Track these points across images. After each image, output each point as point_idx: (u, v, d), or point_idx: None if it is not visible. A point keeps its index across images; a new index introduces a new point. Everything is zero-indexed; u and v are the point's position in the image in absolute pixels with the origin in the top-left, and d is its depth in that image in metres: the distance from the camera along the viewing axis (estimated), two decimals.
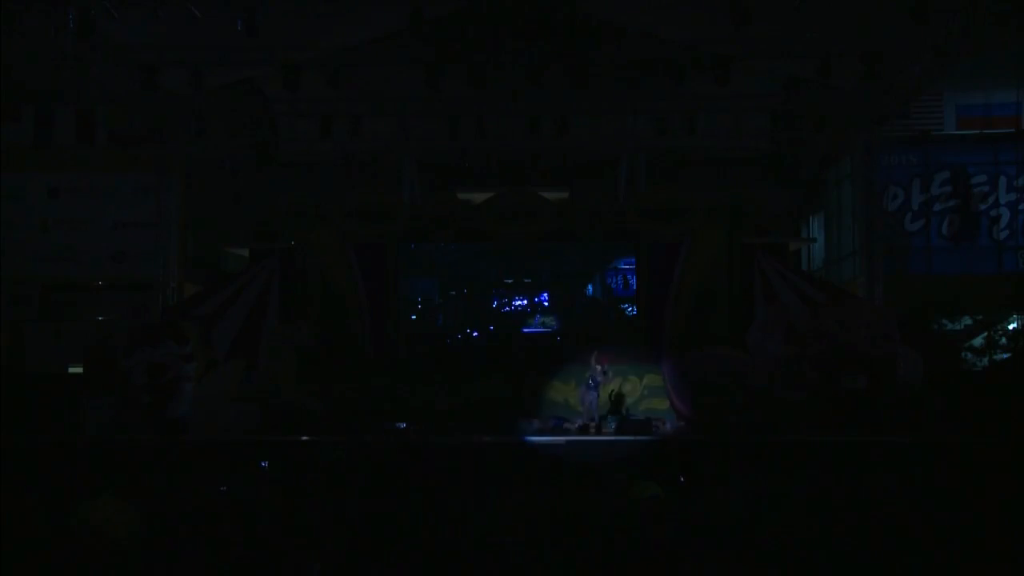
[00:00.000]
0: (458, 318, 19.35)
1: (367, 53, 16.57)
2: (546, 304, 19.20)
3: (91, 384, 16.63)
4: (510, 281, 19.36)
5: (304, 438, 15.28)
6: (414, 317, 19.26)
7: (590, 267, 19.47)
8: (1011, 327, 19.68)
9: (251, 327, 18.04)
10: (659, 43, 16.43)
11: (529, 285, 19.29)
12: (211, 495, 9.15)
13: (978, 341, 19.70)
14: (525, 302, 19.21)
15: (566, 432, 16.61)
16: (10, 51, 15.48)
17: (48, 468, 11.69)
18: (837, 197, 21.17)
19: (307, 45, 16.09)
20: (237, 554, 6.51)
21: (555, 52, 16.22)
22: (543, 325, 19.10)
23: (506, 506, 8.06)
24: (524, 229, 18.55)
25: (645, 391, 17.91)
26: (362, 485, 9.83)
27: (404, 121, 18.71)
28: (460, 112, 17.60)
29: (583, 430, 16.65)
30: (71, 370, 17.88)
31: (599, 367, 16.80)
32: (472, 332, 19.24)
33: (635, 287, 19.05)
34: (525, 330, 19.02)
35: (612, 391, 17.12)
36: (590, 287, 19.60)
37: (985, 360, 19.24)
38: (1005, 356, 19.07)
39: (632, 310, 19.09)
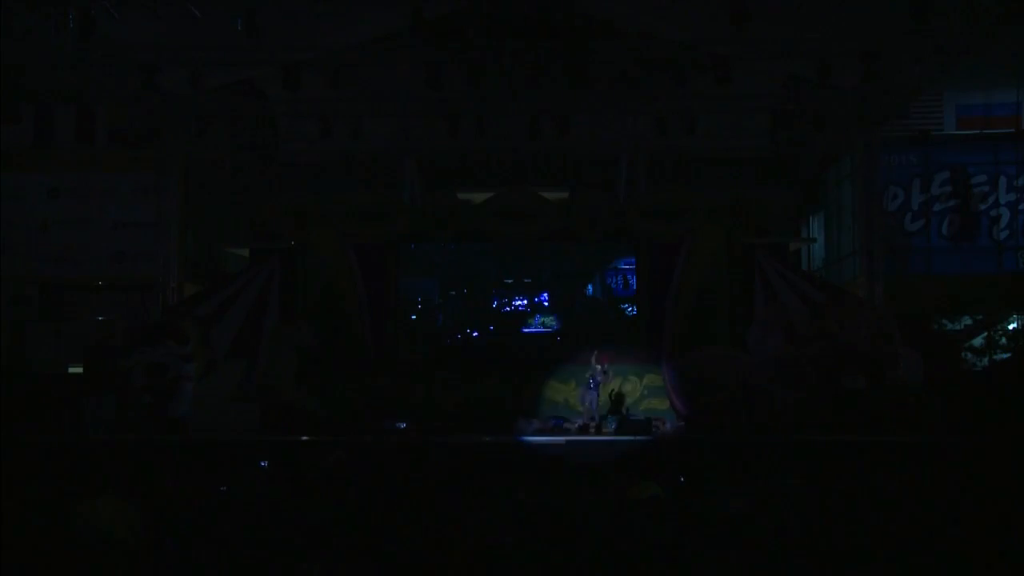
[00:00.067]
0: (458, 318, 19.34)
1: (367, 53, 16.58)
2: (546, 304, 19.19)
3: (91, 384, 16.63)
4: (510, 281, 19.34)
5: (304, 438, 15.29)
6: (414, 317, 19.25)
7: (590, 267, 19.46)
8: (1011, 327, 19.68)
9: (251, 327, 18.04)
10: (659, 43, 16.43)
11: (529, 285, 19.27)
12: (211, 495, 9.15)
13: (978, 341, 19.70)
14: (525, 302, 19.20)
15: (566, 432, 16.62)
16: (10, 51, 15.47)
17: (48, 468, 11.69)
18: (837, 197, 21.18)
19: (307, 45, 16.10)
20: (237, 554, 6.51)
21: (555, 52, 16.21)
22: (543, 325, 19.10)
23: (506, 506, 8.05)
24: (524, 229, 18.54)
25: (645, 391, 17.92)
26: (362, 485, 9.82)
27: (404, 121, 18.71)
28: (460, 112, 17.59)
29: (583, 430, 16.66)
30: (71, 370, 17.88)
31: (599, 367, 16.81)
32: (472, 332, 19.24)
33: (635, 287, 19.04)
34: (524, 330, 19.02)
35: (612, 390, 17.13)
36: (590, 287, 19.59)
37: (985, 360, 19.25)
38: (1005, 356, 19.08)
39: (632, 310, 19.08)
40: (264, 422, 16.54)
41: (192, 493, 9.06)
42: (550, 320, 19.13)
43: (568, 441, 15.43)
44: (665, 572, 6.31)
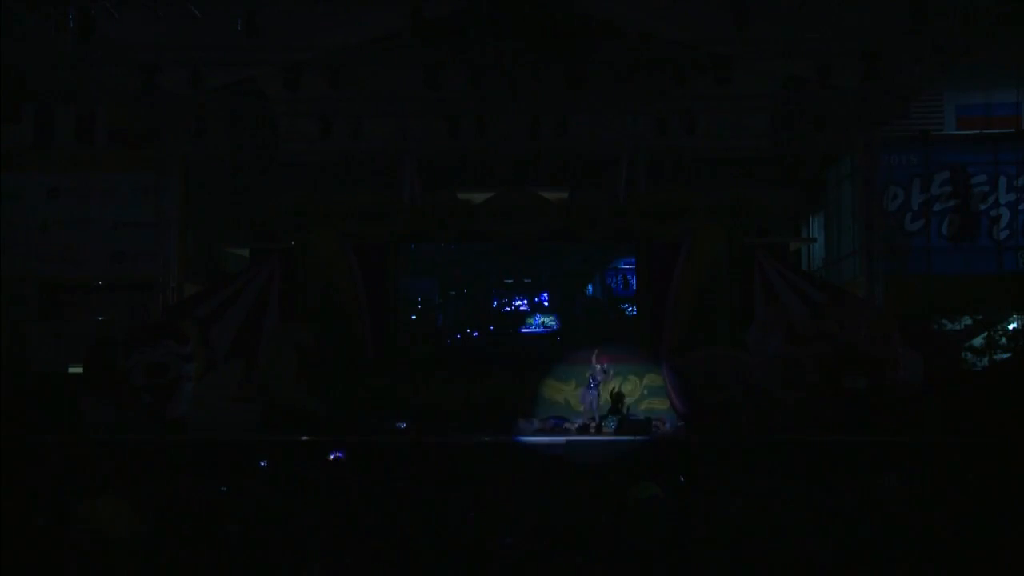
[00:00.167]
0: (458, 318, 19.34)
1: (367, 53, 16.58)
2: (546, 304, 19.19)
3: (91, 384, 16.64)
4: (510, 281, 19.33)
5: (304, 438, 15.30)
6: (414, 317, 19.24)
7: (590, 267, 19.46)
8: (1011, 327, 19.67)
9: (251, 327, 18.04)
10: (659, 43, 16.44)
11: (529, 285, 19.26)
12: (211, 495, 9.15)
13: (978, 341, 19.69)
14: (525, 302, 19.20)
15: (566, 432, 16.63)
16: (10, 51, 15.48)
17: (48, 468, 11.69)
18: (837, 197, 21.17)
19: (307, 45, 16.10)
20: (237, 554, 6.51)
21: (555, 52, 16.21)
22: (543, 325, 19.10)
23: (505, 506, 8.06)
24: (524, 229, 18.53)
25: (645, 391, 17.93)
26: (362, 485, 9.83)
27: (404, 121, 18.70)
28: (460, 112, 17.59)
29: (583, 430, 16.67)
30: (71, 370, 17.88)
31: (599, 366, 16.82)
32: (472, 332, 19.24)
33: (635, 287, 19.04)
34: (523, 330, 19.02)
35: (613, 389, 17.15)
36: (590, 287, 19.59)
37: (985, 360, 19.24)
38: (1005, 356, 19.07)
39: (632, 310, 19.08)
40: (264, 422, 16.56)
41: (192, 493, 9.07)
42: (550, 320, 19.13)
43: (568, 441, 15.44)
44: (665, 572, 6.31)
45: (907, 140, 20.15)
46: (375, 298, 18.61)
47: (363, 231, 18.76)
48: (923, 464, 12.62)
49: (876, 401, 15.82)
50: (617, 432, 16.32)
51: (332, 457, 13.26)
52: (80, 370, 17.31)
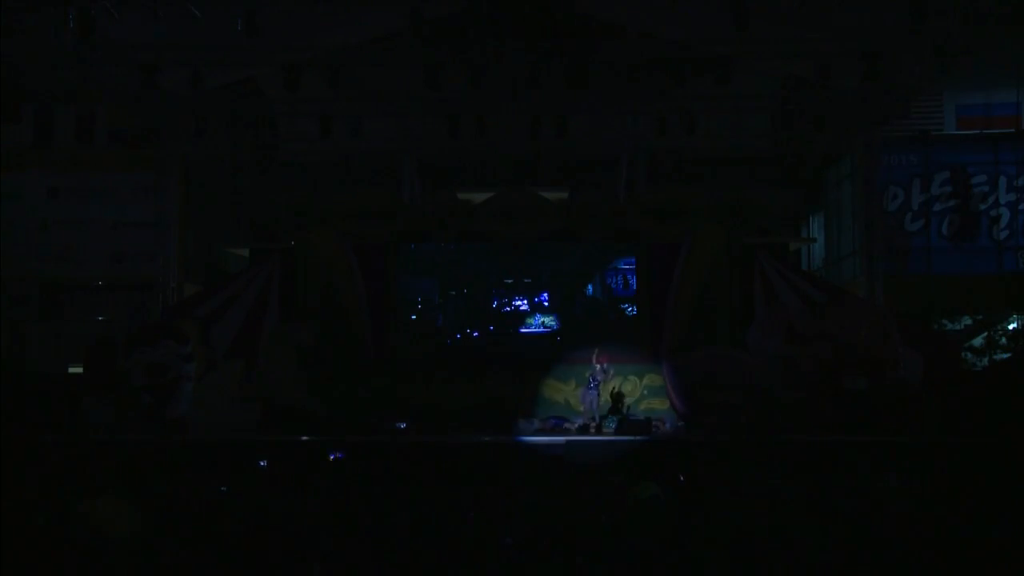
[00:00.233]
0: (458, 318, 19.34)
1: (367, 53, 16.58)
2: (546, 304, 19.19)
3: (91, 384, 16.64)
4: (510, 281, 19.33)
5: (304, 438, 15.30)
6: (414, 317, 19.24)
7: (590, 267, 19.46)
8: (1011, 327, 19.68)
9: (251, 327, 18.03)
10: (659, 43, 16.43)
11: (529, 285, 19.26)
12: (211, 495, 9.15)
13: (978, 341, 19.70)
14: (525, 302, 19.20)
15: (566, 432, 16.63)
16: (10, 51, 15.48)
17: (48, 468, 11.69)
18: (837, 197, 21.17)
19: (307, 45, 16.10)
20: (237, 554, 6.51)
21: (555, 52, 16.21)
22: (543, 325, 19.10)
23: (506, 506, 8.06)
24: (524, 229, 18.54)
25: (645, 391, 17.93)
26: (362, 485, 9.83)
27: (404, 121, 18.71)
28: (460, 112, 17.59)
29: (583, 430, 16.67)
30: (71, 370, 17.88)
31: (599, 366, 16.83)
32: (472, 332, 19.24)
33: (635, 287, 19.04)
34: (523, 330, 19.02)
35: (613, 388, 17.16)
36: (590, 287, 19.59)
37: (985, 360, 19.25)
38: (1005, 356, 19.08)
39: (632, 310, 19.08)
40: (264, 422, 16.56)
41: (192, 493, 9.07)
42: (550, 320, 19.13)
43: (568, 441, 15.43)
44: (665, 572, 6.31)
45: (907, 140, 20.16)
46: (375, 298, 18.61)
47: (363, 231, 18.76)
48: (923, 464, 12.63)
49: (876, 401, 15.83)
50: (617, 432, 16.32)
51: (332, 458, 13.26)
52: (80, 370, 17.32)
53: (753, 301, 18.17)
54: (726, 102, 17.49)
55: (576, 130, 17.78)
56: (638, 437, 15.75)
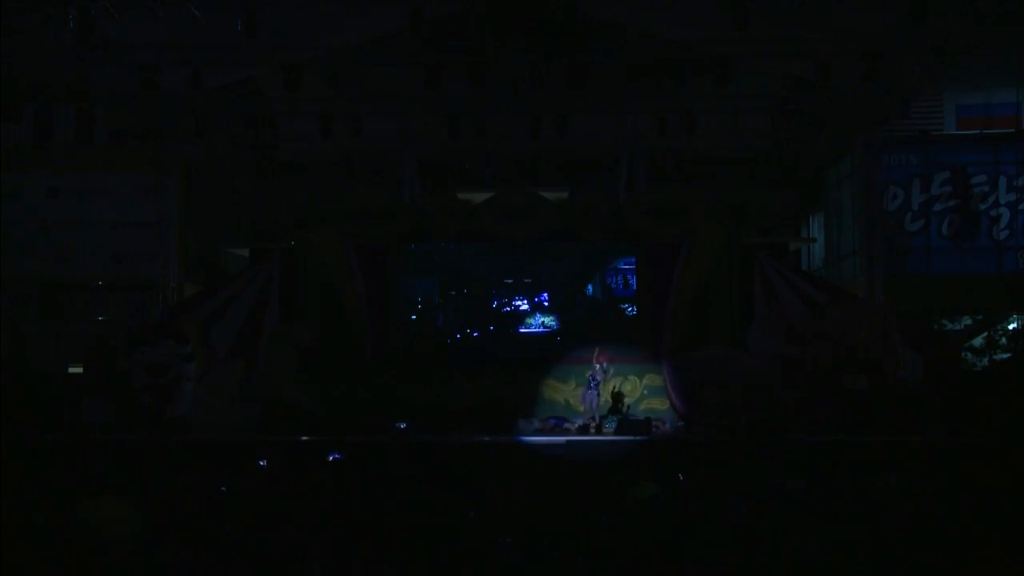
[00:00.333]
0: (458, 318, 19.34)
1: (367, 53, 16.57)
2: (546, 304, 19.19)
3: (91, 384, 16.64)
4: (510, 281, 19.33)
5: (304, 438, 15.30)
6: (414, 317, 19.25)
7: (590, 267, 19.46)
8: (1011, 327, 19.68)
9: (251, 327, 18.04)
10: (659, 43, 16.43)
11: (529, 285, 19.26)
12: (211, 495, 9.15)
13: (978, 341, 19.70)
14: (525, 302, 19.20)
15: (566, 432, 16.64)
16: (10, 51, 15.47)
17: (48, 468, 11.69)
18: (837, 197, 21.16)
19: (307, 45, 16.09)
20: (237, 554, 6.51)
21: (555, 52, 16.21)
22: (543, 325, 19.10)
23: (506, 506, 8.06)
24: (524, 229, 18.54)
25: (645, 391, 17.94)
26: (361, 485, 9.83)
27: (404, 121, 18.70)
28: (460, 112, 17.59)
29: (583, 430, 16.68)
30: (71, 370, 17.88)
31: (598, 366, 16.83)
32: (472, 332, 19.24)
33: (635, 287, 19.05)
34: (523, 330, 19.01)
35: (614, 388, 17.16)
36: (590, 287, 19.59)
37: (985, 360, 19.25)
38: (1005, 356, 19.08)
39: (632, 310, 19.08)
40: (264, 422, 16.56)
41: (192, 493, 9.07)
42: (550, 320, 19.13)
43: (568, 441, 15.44)
44: (665, 572, 6.31)
45: (907, 140, 20.13)
46: (375, 298, 18.61)
47: (363, 231, 18.76)
48: (923, 464, 12.64)
49: (876, 401, 15.83)
50: (617, 432, 16.33)
51: (331, 458, 13.26)
52: (80, 370, 17.32)
53: (753, 301, 18.17)
54: (726, 102, 17.48)
55: (576, 130, 17.75)
56: (638, 437, 15.76)
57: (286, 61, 15.95)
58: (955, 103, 20.44)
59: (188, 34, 14.72)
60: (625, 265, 19.22)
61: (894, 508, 8.35)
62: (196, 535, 6.83)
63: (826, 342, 16.41)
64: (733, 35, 14.31)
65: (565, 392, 17.96)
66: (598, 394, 16.81)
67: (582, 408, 17.15)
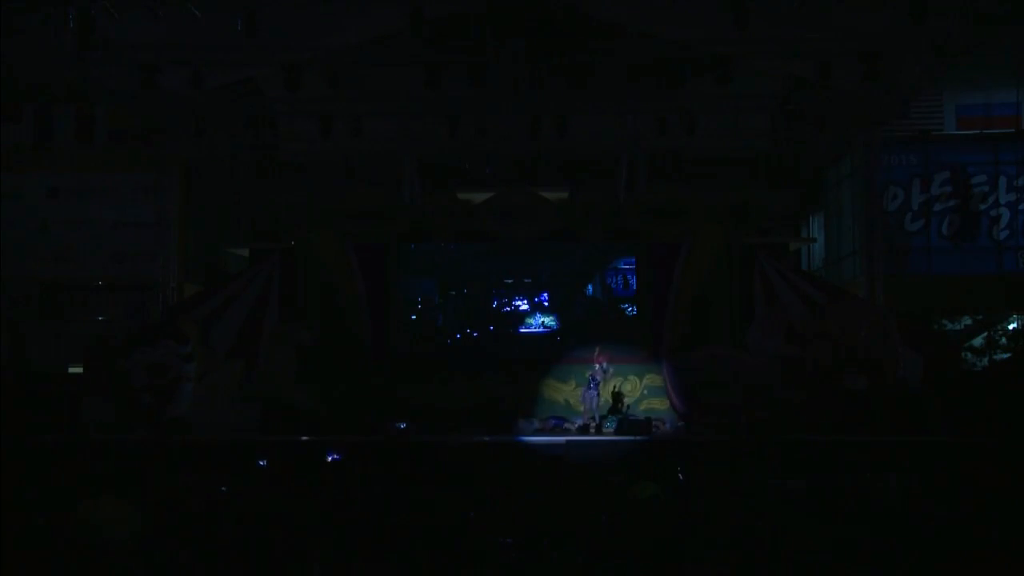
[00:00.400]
0: (458, 318, 19.34)
1: (367, 53, 16.56)
2: (546, 304, 19.19)
3: (91, 384, 16.65)
4: (510, 281, 19.34)
5: (304, 438, 15.30)
6: (414, 317, 19.25)
7: (590, 267, 19.47)
8: (1011, 327, 19.67)
9: (251, 327, 18.04)
10: (659, 43, 16.42)
11: (529, 285, 19.27)
12: (211, 495, 9.15)
13: (978, 341, 19.69)
14: (525, 302, 19.20)
15: (566, 432, 16.64)
16: (10, 51, 15.46)
17: (48, 468, 11.69)
18: (837, 197, 21.15)
19: (307, 45, 16.08)
20: (237, 554, 6.51)
21: (555, 52, 16.20)
22: (543, 325, 19.10)
23: (505, 506, 8.06)
24: (524, 229, 18.54)
25: (645, 391, 17.94)
26: (361, 485, 9.83)
27: (404, 121, 18.69)
28: (460, 112, 17.59)
29: (583, 430, 16.68)
30: (71, 370, 17.88)
31: (599, 366, 16.84)
32: (472, 332, 19.24)
33: (635, 287, 19.05)
34: (523, 330, 19.01)
35: (614, 387, 17.17)
36: (590, 287, 19.59)
37: (985, 360, 19.24)
38: (1005, 356, 19.07)
39: (632, 310, 19.09)
40: (264, 422, 16.56)
41: (192, 493, 9.07)
42: (550, 320, 19.13)
43: (568, 441, 15.44)
44: (665, 572, 6.31)
45: (907, 140, 20.13)
46: (375, 298, 18.61)
47: (363, 231, 18.77)
48: (923, 464, 12.64)
49: (876, 401, 15.83)
50: (617, 432, 16.33)
51: (330, 459, 13.26)
52: (80, 370, 17.32)
53: (753, 301, 18.18)
54: (726, 102, 17.47)
55: (576, 130, 17.74)
56: (638, 437, 15.76)
57: (286, 61, 15.95)
58: (955, 103, 20.44)
59: (188, 34, 14.72)
60: (625, 265, 19.23)
61: (894, 508, 8.35)
62: (196, 535, 6.84)
63: (826, 342, 16.41)
64: (733, 35, 14.30)
65: (565, 392, 17.96)
66: (598, 394, 16.81)
67: (582, 408, 17.16)
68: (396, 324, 18.81)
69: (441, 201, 18.97)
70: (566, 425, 17.11)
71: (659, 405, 17.65)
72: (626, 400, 17.26)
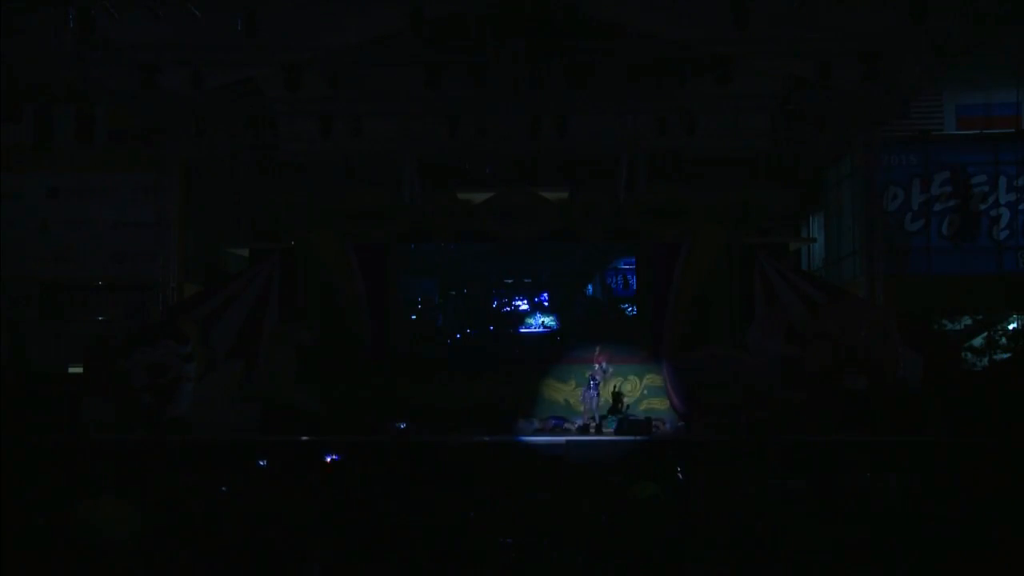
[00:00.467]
0: (458, 318, 19.35)
1: (367, 53, 16.57)
2: (546, 304, 19.20)
3: (91, 384, 16.65)
4: (510, 281, 19.35)
5: (304, 438, 15.30)
6: (414, 317, 19.26)
7: (590, 267, 19.47)
8: (1011, 327, 19.67)
9: (251, 327, 18.04)
10: (659, 43, 16.43)
11: (529, 285, 19.28)
12: (211, 495, 9.16)
13: (978, 341, 19.70)
14: (525, 302, 19.21)
15: (566, 432, 16.65)
16: (10, 51, 15.47)
17: (48, 468, 11.70)
18: (837, 197, 21.16)
19: (307, 45, 16.09)
20: (237, 554, 6.51)
21: (555, 52, 16.20)
22: (543, 325, 19.10)
23: (505, 506, 8.06)
24: (524, 229, 18.54)
25: (645, 391, 17.94)
26: (361, 485, 9.83)
27: (404, 121, 18.70)
28: (460, 112, 17.59)
29: (583, 430, 16.68)
30: (71, 370, 17.88)
31: (598, 366, 16.84)
32: (472, 332, 19.25)
33: (635, 287, 19.05)
34: (523, 330, 19.02)
35: (614, 387, 17.17)
36: (590, 287, 19.60)
37: (985, 360, 19.24)
38: (1005, 356, 19.07)
39: (632, 310, 19.09)
40: (264, 422, 16.56)
41: (192, 493, 9.07)
42: (550, 320, 19.14)
43: (568, 441, 15.45)
44: (665, 572, 6.31)
45: (907, 140, 20.14)
46: (375, 298, 18.62)
47: (363, 231, 18.77)
48: (923, 464, 12.63)
49: (876, 401, 15.83)
50: (617, 432, 16.33)
51: (328, 459, 13.26)
52: (80, 370, 17.32)
53: (753, 301, 18.18)
54: (726, 102, 17.48)
55: (576, 130, 17.75)
56: (638, 437, 15.76)
57: (286, 61, 15.95)
58: (955, 103, 20.44)
59: (188, 34, 14.72)
60: (625, 265, 19.24)
61: (894, 508, 8.35)
62: (196, 535, 6.84)
63: (826, 342, 16.41)
64: (733, 35, 14.31)
65: (565, 392, 17.96)
66: (598, 394, 16.81)
67: (582, 408, 17.16)
68: (396, 324, 18.81)
69: (441, 201, 18.97)
70: (566, 425, 17.11)
71: (659, 405, 17.65)
72: (626, 400, 17.26)
